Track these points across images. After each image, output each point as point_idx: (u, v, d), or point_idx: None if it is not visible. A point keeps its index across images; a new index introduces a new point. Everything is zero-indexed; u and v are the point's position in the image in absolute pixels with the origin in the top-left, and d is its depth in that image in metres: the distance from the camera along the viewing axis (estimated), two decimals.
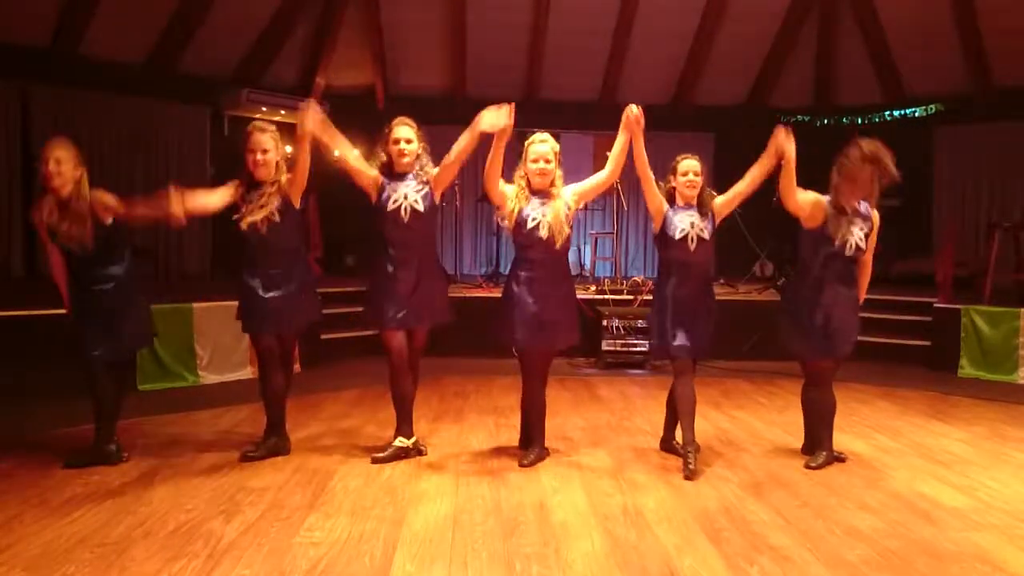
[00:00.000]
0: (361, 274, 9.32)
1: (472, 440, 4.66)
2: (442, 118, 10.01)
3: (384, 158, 4.18)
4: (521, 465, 4.11)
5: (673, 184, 4.18)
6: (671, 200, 4.18)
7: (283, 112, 9.45)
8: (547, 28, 10.00)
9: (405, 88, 10.51)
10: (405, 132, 4.14)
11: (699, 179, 4.15)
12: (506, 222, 4.10)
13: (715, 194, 4.20)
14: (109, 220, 3.98)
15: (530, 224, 4.03)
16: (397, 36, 10.11)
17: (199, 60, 9.13)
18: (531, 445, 4.25)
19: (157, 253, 8.84)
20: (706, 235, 4.10)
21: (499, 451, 4.43)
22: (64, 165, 3.88)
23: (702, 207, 4.15)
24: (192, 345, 6.15)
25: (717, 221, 4.17)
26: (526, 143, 4.16)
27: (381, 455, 4.15)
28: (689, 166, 4.15)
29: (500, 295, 4.26)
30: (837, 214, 4.03)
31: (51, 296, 4.37)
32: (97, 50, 8.32)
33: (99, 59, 8.36)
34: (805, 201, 4.07)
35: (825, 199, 4.09)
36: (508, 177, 4.16)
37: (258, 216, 4.04)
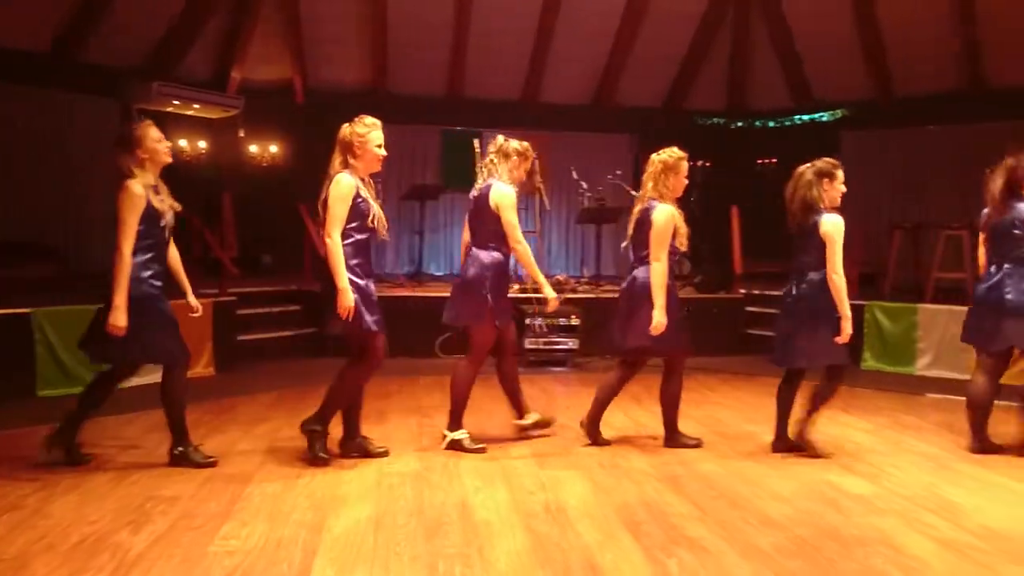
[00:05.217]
0: (280, 274, 9.13)
1: (395, 441, 4.60)
2: (364, 114, 9.98)
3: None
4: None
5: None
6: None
7: (196, 106, 9.13)
8: (469, 26, 9.98)
9: (325, 82, 10.31)
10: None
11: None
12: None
13: None
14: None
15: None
16: (316, 30, 9.91)
17: (106, 50, 8.69)
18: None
19: (60, 252, 8.38)
20: None
21: (423, 451, 4.39)
22: None
23: None
24: None
25: None
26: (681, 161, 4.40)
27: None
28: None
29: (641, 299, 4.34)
30: None
31: None
32: None
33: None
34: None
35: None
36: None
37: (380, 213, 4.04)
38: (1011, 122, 9.15)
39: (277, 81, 10.18)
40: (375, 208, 4.02)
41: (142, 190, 3.80)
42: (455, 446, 4.38)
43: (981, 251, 4.57)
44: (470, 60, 10.40)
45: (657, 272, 4.26)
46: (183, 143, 9.46)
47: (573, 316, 7.27)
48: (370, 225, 4.01)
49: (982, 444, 4.44)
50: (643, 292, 4.33)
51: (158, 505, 3.46)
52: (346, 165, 3.99)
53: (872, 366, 7.21)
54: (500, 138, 4.50)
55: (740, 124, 11.23)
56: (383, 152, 4.06)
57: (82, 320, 5.78)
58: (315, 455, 4.07)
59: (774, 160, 10.59)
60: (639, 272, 4.39)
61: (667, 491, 3.78)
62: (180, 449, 4.02)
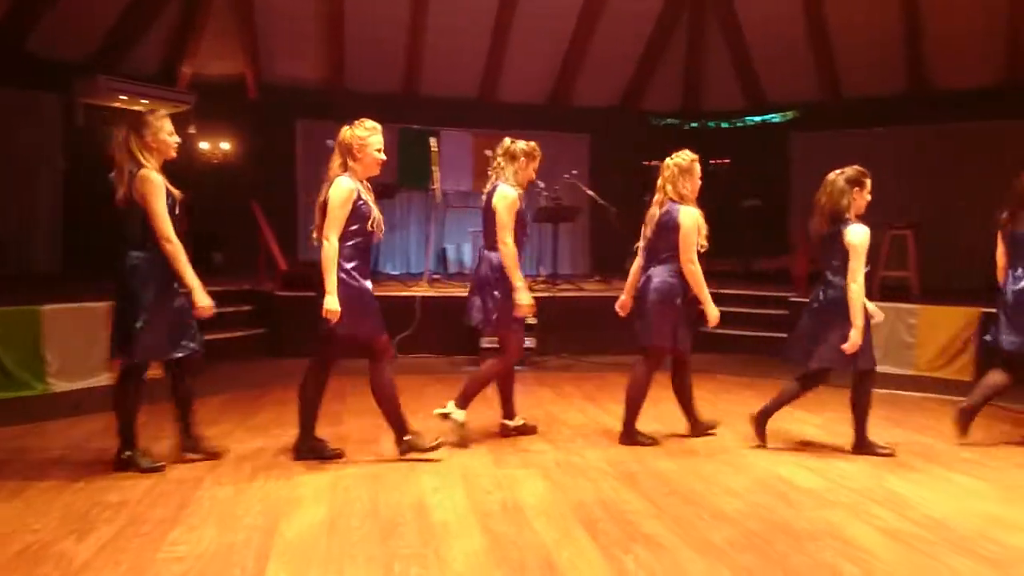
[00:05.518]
0: (232, 273, 8.94)
1: (351, 442, 4.55)
2: (319, 111, 9.86)
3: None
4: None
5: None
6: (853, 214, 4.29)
7: (145, 101, 8.89)
8: (426, 24, 9.93)
9: (280, 78, 10.14)
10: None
11: None
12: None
13: None
14: None
15: None
16: (270, 24, 9.75)
17: (49, 42, 8.42)
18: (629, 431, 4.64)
19: (1, 251, 8.09)
20: None
21: (378, 452, 4.35)
22: None
23: None
24: (40, 351, 5.68)
25: None
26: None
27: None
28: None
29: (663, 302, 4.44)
30: None
31: None
32: None
33: None
34: None
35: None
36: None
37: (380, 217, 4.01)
38: (953, 124, 9.48)
39: (229, 76, 9.98)
40: (375, 211, 3.99)
41: (160, 178, 3.79)
42: (447, 419, 4.46)
43: (1001, 258, 4.69)
44: (427, 58, 10.34)
45: (693, 273, 4.43)
46: None
47: (530, 315, 7.27)
48: (370, 229, 3.98)
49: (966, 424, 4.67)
50: (658, 294, 4.44)
51: (104, 512, 3.36)
52: (345, 168, 3.95)
53: None
54: (507, 140, 4.54)
55: (694, 125, 11.39)
56: (383, 156, 4.03)
57: (26, 323, 5.65)
58: (424, 450, 4.17)
59: (727, 160, 10.76)
60: (654, 271, 4.50)
61: (623, 488, 3.81)
62: (128, 453, 3.92)
